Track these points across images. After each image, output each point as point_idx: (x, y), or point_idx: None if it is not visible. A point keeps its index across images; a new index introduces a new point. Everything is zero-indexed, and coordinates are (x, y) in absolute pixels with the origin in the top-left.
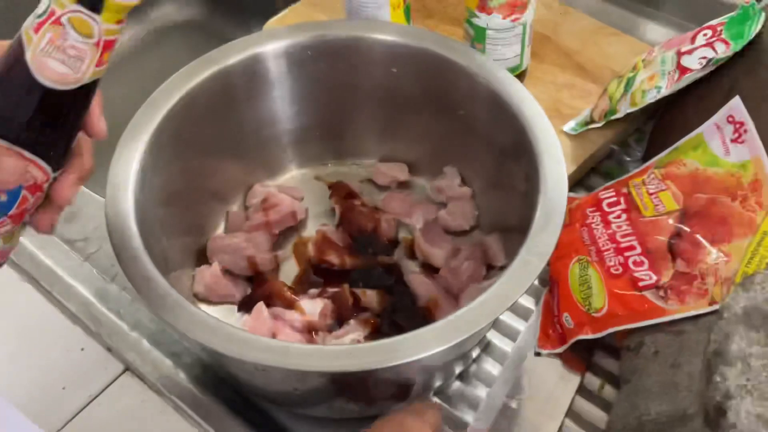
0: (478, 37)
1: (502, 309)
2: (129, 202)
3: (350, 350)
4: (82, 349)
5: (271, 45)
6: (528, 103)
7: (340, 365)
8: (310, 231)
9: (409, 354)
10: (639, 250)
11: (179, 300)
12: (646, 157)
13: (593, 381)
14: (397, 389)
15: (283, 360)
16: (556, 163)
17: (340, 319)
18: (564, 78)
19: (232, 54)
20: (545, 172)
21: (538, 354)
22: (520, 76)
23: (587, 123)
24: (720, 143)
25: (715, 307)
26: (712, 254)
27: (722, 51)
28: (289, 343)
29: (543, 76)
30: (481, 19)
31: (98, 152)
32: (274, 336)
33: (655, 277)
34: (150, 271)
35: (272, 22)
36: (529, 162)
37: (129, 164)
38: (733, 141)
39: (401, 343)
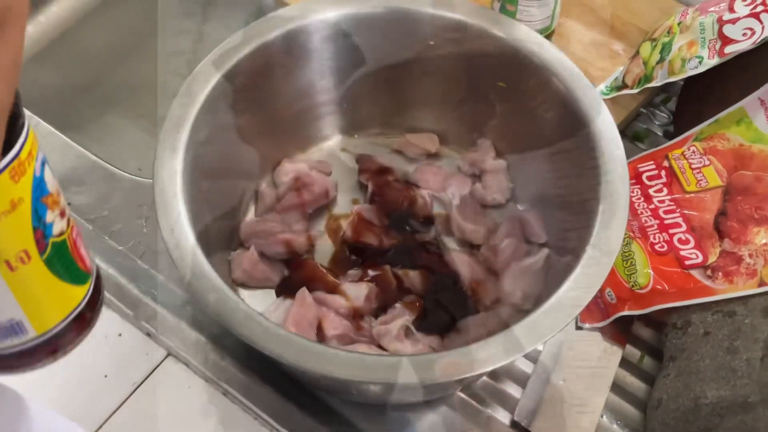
0: None
1: (575, 311)
2: (180, 206)
3: (431, 360)
4: (120, 335)
5: (308, 19)
6: (582, 85)
7: (424, 377)
8: (341, 206)
9: (491, 362)
10: (684, 227)
11: (250, 313)
12: (676, 122)
13: (633, 352)
14: (456, 381)
15: (368, 375)
16: (616, 150)
17: (384, 302)
18: (591, 36)
19: (267, 31)
20: (605, 160)
21: (579, 328)
22: (549, 36)
23: (619, 88)
24: (765, 119)
25: (766, 288)
26: (761, 235)
27: None
28: (364, 354)
29: (569, 33)
30: None
31: (90, 104)
32: (319, 323)
33: (701, 257)
34: (217, 283)
35: None
36: (583, 144)
37: (173, 164)
38: None
39: (481, 351)
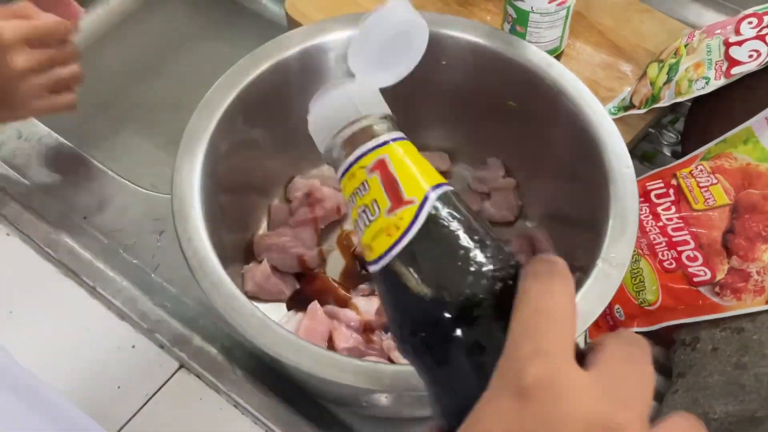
0: (520, 20)
1: (586, 324)
2: (198, 216)
3: None
4: (133, 347)
5: (324, 37)
6: (591, 104)
7: None
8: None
9: None
10: (692, 245)
11: (265, 320)
12: (684, 142)
13: None
14: None
15: (380, 383)
16: (626, 168)
17: None
18: (599, 57)
19: (283, 49)
20: (614, 176)
21: (588, 344)
22: (558, 56)
23: (626, 108)
24: None
25: None
26: None
27: None
28: (377, 362)
29: (578, 55)
30: (525, 2)
31: (107, 122)
32: (330, 336)
33: (710, 274)
34: (233, 291)
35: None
36: (592, 163)
37: (192, 176)
38: None
39: None
